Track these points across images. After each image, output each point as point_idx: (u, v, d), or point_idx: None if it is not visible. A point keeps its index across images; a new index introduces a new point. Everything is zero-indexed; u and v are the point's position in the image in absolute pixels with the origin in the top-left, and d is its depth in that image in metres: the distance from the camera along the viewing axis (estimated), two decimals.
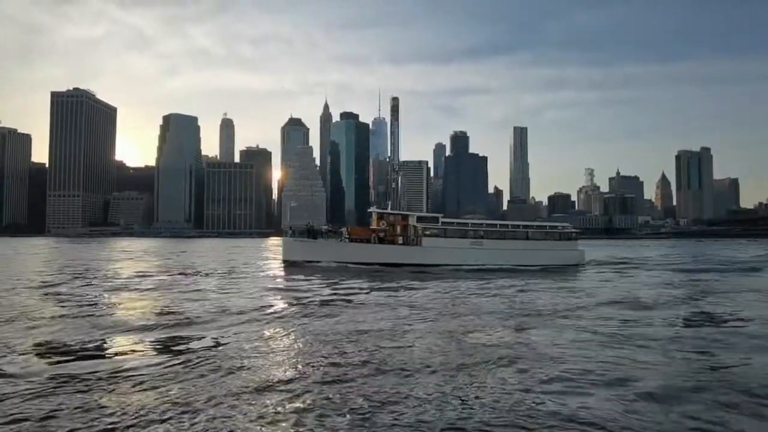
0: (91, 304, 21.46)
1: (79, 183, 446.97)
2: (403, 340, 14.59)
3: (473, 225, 52.06)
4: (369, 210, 51.68)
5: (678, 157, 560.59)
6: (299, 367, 11.49)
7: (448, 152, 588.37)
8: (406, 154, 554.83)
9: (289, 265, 45.16)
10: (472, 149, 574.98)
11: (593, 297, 25.15)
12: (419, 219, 49.75)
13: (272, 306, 21.61)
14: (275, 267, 46.79)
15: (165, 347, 13.42)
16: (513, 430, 7.96)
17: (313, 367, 11.40)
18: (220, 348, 13.30)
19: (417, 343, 14.13)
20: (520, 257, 49.44)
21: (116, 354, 12.83)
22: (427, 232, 48.35)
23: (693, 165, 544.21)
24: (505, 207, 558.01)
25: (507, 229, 52.45)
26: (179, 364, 11.52)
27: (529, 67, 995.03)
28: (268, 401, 9.11)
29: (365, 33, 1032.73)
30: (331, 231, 50.84)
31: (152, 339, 14.45)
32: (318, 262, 45.35)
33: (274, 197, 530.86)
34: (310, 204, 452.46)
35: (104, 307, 20.96)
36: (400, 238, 48.45)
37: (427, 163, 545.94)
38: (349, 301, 23.42)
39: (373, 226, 49.43)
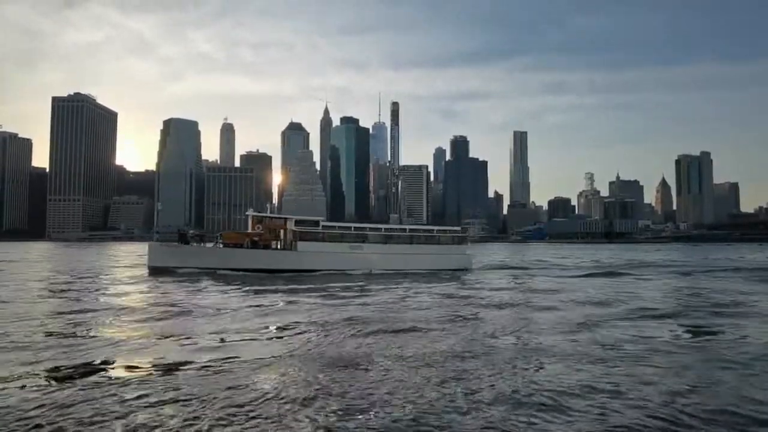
0: None
1: (79, 187, 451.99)
2: None
3: (356, 229, 50.93)
4: (246, 213, 50.66)
5: (678, 162, 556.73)
6: None
7: (448, 156, 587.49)
8: (406, 159, 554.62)
9: (154, 272, 43.32)
10: (472, 153, 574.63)
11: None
12: (297, 223, 48.58)
13: None
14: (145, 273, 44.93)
15: None
16: None
17: None
18: None
19: None
20: (402, 262, 48.23)
21: None
22: (303, 237, 47.36)
23: (693, 169, 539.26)
24: (505, 211, 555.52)
25: (390, 232, 51.38)
26: None
27: (529, 71, 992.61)
28: None
29: (365, 37, 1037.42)
30: (198, 235, 49.88)
31: None
32: (185, 268, 44.01)
33: (274, 202, 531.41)
34: (310, 208, 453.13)
35: None
36: (276, 242, 47.57)
37: (427, 167, 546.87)
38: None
39: (250, 230, 48.36)
